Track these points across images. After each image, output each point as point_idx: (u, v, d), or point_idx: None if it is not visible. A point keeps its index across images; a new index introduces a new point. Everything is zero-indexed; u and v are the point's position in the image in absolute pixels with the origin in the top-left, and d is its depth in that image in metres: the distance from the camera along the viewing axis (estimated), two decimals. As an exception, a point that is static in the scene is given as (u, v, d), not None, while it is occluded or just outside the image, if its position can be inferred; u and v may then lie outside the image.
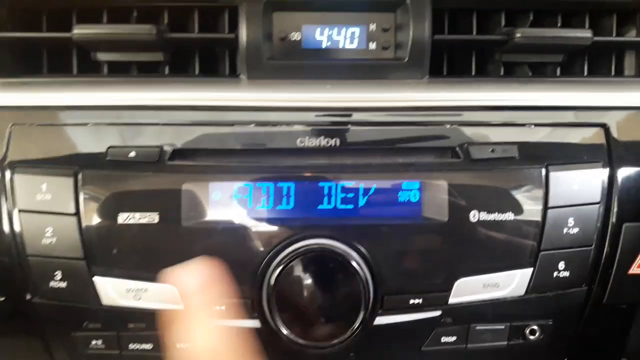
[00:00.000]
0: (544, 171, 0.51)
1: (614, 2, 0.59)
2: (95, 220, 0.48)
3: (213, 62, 0.59)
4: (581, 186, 0.52)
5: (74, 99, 0.51)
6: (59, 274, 0.48)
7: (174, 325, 0.49)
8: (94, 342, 0.50)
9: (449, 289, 0.51)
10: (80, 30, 0.52)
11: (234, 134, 0.51)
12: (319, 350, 0.51)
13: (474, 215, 0.51)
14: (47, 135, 0.50)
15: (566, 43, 0.57)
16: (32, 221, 0.48)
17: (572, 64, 0.62)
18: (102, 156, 0.49)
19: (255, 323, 0.50)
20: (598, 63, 0.62)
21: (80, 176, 0.48)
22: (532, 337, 0.53)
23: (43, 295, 0.49)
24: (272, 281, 0.48)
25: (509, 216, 0.51)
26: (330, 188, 0.50)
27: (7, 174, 0.48)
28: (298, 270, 0.49)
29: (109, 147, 0.49)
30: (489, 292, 0.52)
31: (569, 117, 0.54)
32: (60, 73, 0.56)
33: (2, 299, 0.49)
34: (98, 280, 0.49)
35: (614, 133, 0.54)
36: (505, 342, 0.53)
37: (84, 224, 0.48)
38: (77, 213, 0.48)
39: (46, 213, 0.48)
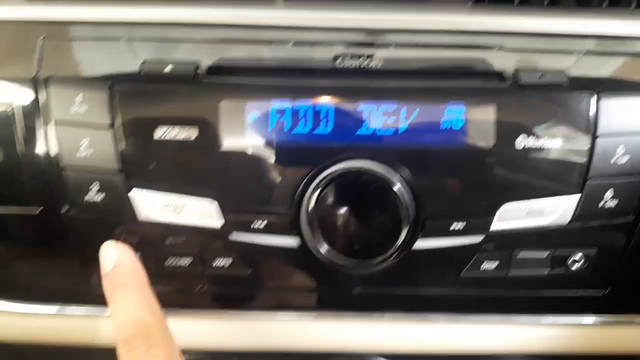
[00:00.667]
0: (594, 98, 0.49)
1: None
2: (131, 133, 0.47)
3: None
4: (632, 115, 0.50)
5: (108, 13, 0.49)
6: (95, 187, 0.47)
7: (213, 241, 0.49)
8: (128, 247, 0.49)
9: (492, 214, 0.50)
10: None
11: (272, 52, 0.49)
12: (355, 271, 0.51)
13: (521, 141, 0.49)
14: (80, 48, 0.48)
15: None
16: (68, 133, 0.47)
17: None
18: (137, 70, 0.47)
19: (294, 241, 0.50)
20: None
21: (115, 89, 0.46)
22: (574, 266, 0.52)
23: (79, 208, 0.49)
24: (312, 201, 0.47)
25: (556, 143, 0.49)
26: (370, 111, 0.49)
27: (41, 87, 0.47)
28: (338, 191, 0.48)
29: (143, 61, 0.47)
30: (532, 219, 0.50)
31: (620, 45, 0.51)
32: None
33: (40, 209, 0.49)
34: (135, 194, 0.48)
35: (668, 62, 0.51)
36: (547, 271, 0.52)
37: (119, 137, 0.47)
38: (112, 125, 0.47)
39: (81, 125, 0.47)
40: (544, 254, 0.52)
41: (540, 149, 0.49)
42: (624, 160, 0.50)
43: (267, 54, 0.49)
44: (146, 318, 0.43)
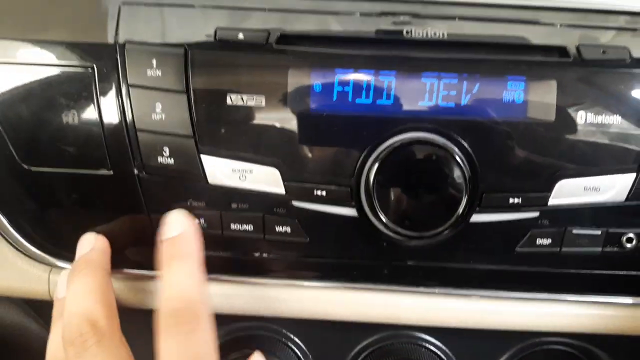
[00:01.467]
0: (656, 75, 0.49)
1: None
2: (204, 99, 0.48)
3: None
4: (693, 94, 0.50)
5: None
6: (167, 150, 0.49)
7: (275, 207, 0.51)
8: (196, 221, 0.51)
9: (549, 189, 0.50)
10: None
11: (340, 21, 0.50)
12: (412, 243, 0.52)
13: (581, 117, 0.49)
14: (156, 14, 0.49)
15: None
16: (142, 96, 0.48)
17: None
18: (210, 36, 0.48)
19: (353, 211, 0.51)
20: None
21: (189, 54, 0.48)
22: (628, 245, 0.53)
23: (151, 171, 0.50)
24: (373, 171, 0.48)
25: (617, 120, 0.50)
26: (432, 82, 0.49)
27: (119, 51, 0.49)
28: (398, 161, 0.49)
29: (217, 28, 0.48)
30: (589, 196, 0.51)
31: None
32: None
33: (113, 171, 0.50)
34: (205, 159, 0.49)
35: None
36: (600, 249, 0.53)
37: (192, 102, 0.48)
38: (186, 90, 0.48)
39: (156, 89, 0.48)
40: (598, 232, 0.53)
41: (599, 126, 0.49)
42: None
43: (334, 23, 0.50)
44: (197, 296, 0.44)
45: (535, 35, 0.51)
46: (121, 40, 0.49)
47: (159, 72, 0.48)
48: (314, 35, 0.50)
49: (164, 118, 0.48)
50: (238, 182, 0.50)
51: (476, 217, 0.51)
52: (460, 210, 0.49)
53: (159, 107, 0.48)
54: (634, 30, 0.51)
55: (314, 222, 0.52)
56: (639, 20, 0.51)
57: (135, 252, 0.56)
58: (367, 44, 0.50)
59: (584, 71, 0.50)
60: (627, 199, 0.51)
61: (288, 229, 0.52)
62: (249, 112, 0.48)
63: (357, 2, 0.51)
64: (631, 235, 0.53)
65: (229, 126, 0.49)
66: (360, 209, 0.51)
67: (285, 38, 0.49)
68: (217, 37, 0.48)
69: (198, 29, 0.49)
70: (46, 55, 0.50)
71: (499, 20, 0.51)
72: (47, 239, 0.56)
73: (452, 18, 0.50)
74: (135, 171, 0.51)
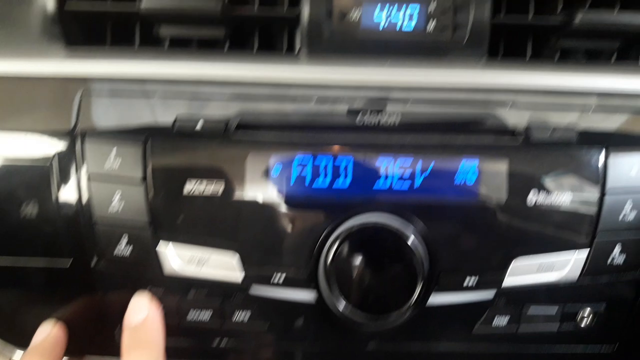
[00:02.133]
0: (602, 155, 0.51)
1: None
2: (162, 188, 0.49)
3: (270, 40, 0.60)
4: (640, 171, 0.52)
5: (142, 70, 0.52)
6: (124, 240, 0.50)
7: (233, 294, 0.51)
8: (159, 305, 0.51)
9: (505, 269, 0.51)
10: (147, 3, 0.53)
11: (296, 109, 0.52)
12: (372, 325, 0.52)
13: (532, 197, 0.51)
14: (116, 104, 0.51)
15: (627, 29, 0.56)
16: (101, 187, 0.49)
17: (627, 51, 0.62)
18: (170, 126, 0.50)
19: (311, 295, 0.51)
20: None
21: (149, 144, 0.49)
22: (584, 322, 0.53)
23: (108, 261, 0.50)
24: (330, 255, 0.49)
25: (566, 199, 0.51)
26: (387, 166, 0.51)
27: (78, 141, 0.50)
28: (356, 245, 0.49)
29: (176, 118, 0.50)
30: (543, 274, 0.52)
31: (630, 102, 0.54)
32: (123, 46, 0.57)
33: (70, 262, 0.50)
34: (163, 248, 0.50)
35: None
36: (557, 326, 0.53)
37: (150, 191, 0.49)
38: (144, 180, 0.49)
39: (115, 179, 0.49)
40: (553, 310, 0.53)
41: (551, 204, 0.51)
42: (631, 216, 0.52)
43: (291, 110, 0.52)
44: None
45: (487, 117, 0.53)
46: (81, 129, 0.50)
47: (118, 162, 0.49)
48: (271, 123, 0.51)
49: (122, 208, 0.49)
50: (196, 269, 0.50)
51: (434, 299, 0.52)
52: (418, 292, 0.50)
53: (117, 196, 0.49)
54: (580, 109, 0.53)
55: (273, 308, 0.52)
56: (585, 99, 0.53)
57: (95, 340, 0.55)
58: (323, 130, 0.52)
59: (534, 152, 0.51)
60: (580, 276, 0.52)
61: (247, 316, 0.52)
62: (207, 199, 0.49)
63: (313, 89, 0.52)
64: (587, 311, 0.54)
65: (187, 214, 0.49)
66: (318, 293, 0.51)
67: (244, 126, 0.50)
68: (176, 127, 0.49)
69: (158, 118, 0.50)
70: (4, 145, 0.50)
71: (451, 103, 0.53)
72: (6, 328, 0.56)
73: (404, 102, 0.52)
74: (93, 261, 0.51)
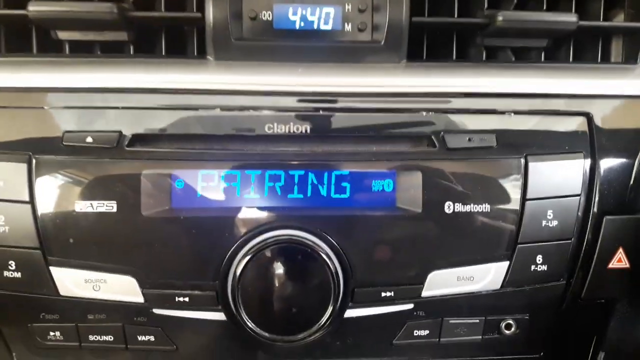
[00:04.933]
0: (522, 162, 0.49)
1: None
2: (51, 208, 0.46)
3: (181, 41, 0.56)
4: (561, 177, 0.50)
5: (29, 80, 0.48)
6: (12, 264, 0.46)
7: (135, 316, 0.48)
8: (52, 333, 0.48)
9: (422, 281, 0.49)
10: (36, 7, 0.49)
11: (198, 118, 0.48)
12: (285, 344, 0.50)
13: (449, 207, 0.49)
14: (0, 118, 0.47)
15: (550, 27, 0.54)
16: (-16, 209, 0.46)
17: (558, 49, 0.60)
18: (58, 141, 0.46)
19: (220, 315, 0.48)
20: (584, 48, 0.60)
21: (34, 162, 0.45)
22: (507, 332, 0.52)
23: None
24: (238, 273, 0.46)
25: (485, 208, 0.49)
26: (300, 177, 0.48)
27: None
28: (265, 262, 0.47)
29: (65, 132, 0.46)
30: (463, 286, 0.50)
31: (550, 105, 0.52)
32: (18, 52, 0.53)
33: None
34: (55, 271, 0.47)
35: (598, 122, 0.52)
36: (480, 336, 0.52)
37: (38, 212, 0.46)
38: (31, 201, 0.45)
39: (-2, 200, 0.46)
40: (476, 320, 0.52)
41: (468, 214, 0.49)
42: (554, 223, 0.50)
43: (193, 119, 0.48)
44: None
45: (404, 124, 0.50)
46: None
47: (0, 182, 0.45)
48: (170, 134, 0.48)
49: (7, 231, 0.45)
50: (92, 292, 0.47)
51: (350, 313, 0.49)
52: (332, 307, 0.47)
53: (1, 219, 0.45)
54: (502, 113, 0.51)
55: (179, 329, 0.49)
56: (507, 104, 0.51)
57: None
58: (228, 141, 0.48)
59: (449, 160, 0.49)
60: (502, 286, 0.50)
61: (152, 338, 0.49)
62: (99, 219, 0.46)
63: (217, 96, 0.49)
64: (510, 321, 0.52)
65: (78, 235, 0.46)
66: (227, 312, 0.48)
67: (140, 138, 0.47)
68: (64, 142, 0.46)
69: (45, 133, 0.46)
70: None
71: (364, 110, 0.50)
72: None
73: (316, 110, 0.49)
74: (-17, 285, 0.47)
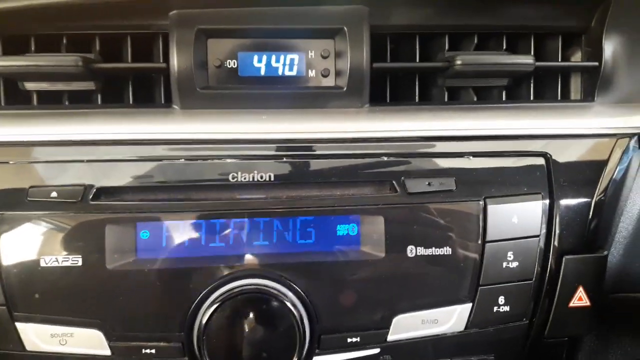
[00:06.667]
0: (481, 204, 0.50)
1: (558, 25, 0.58)
2: (16, 263, 0.46)
3: (149, 89, 0.57)
4: (520, 219, 0.51)
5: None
6: (-23, 321, 0.46)
7: None
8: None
9: (387, 326, 0.50)
10: (1, 63, 0.50)
11: (163, 169, 0.49)
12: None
13: (411, 251, 0.49)
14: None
15: (507, 69, 0.56)
16: (-52, 265, 0.46)
17: (519, 86, 0.61)
18: (23, 196, 0.46)
19: (186, 367, 0.49)
20: (545, 85, 0.61)
21: (-2, 218, 0.46)
22: (473, 372, 0.53)
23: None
24: (203, 324, 0.47)
25: (447, 251, 0.50)
26: (264, 224, 0.49)
27: None
28: (230, 312, 0.47)
29: (30, 187, 0.47)
30: (428, 328, 0.51)
31: (509, 146, 0.53)
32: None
33: None
34: (21, 326, 0.47)
35: (556, 162, 0.53)
36: (447, 378, 0.53)
37: (3, 268, 0.46)
38: (-6, 257, 0.46)
39: (-37, 257, 0.46)
40: None
41: (430, 257, 0.49)
42: (514, 264, 0.51)
43: (157, 171, 0.49)
44: None
45: (365, 169, 0.51)
46: None
47: None
48: (134, 186, 0.48)
49: (-28, 287, 0.46)
50: (59, 347, 0.47)
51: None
52: (298, 356, 0.48)
53: (-35, 275, 0.46)
54: (461, 156, 0.52)
55: None
56: (466, 146, 0.52)
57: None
58: (193, 191, 0.49)
59: (410, 204, 0.50)
60: (466, 327, 0.51)
61: None
62: (63, 273, 0.46)
63: (182, 146, 0.50)
64: (475, 361, 0.53)
65: (44, 290, 0.46)
66: (194, 363, 0.49)
67: (104, 191, 0.48)
68: (28, 197, 0.46)
69: (10, 188, 0.47)
70: None
71: (328, 157, 0.51)
72: None
73: (280, 158, 0.50)
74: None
